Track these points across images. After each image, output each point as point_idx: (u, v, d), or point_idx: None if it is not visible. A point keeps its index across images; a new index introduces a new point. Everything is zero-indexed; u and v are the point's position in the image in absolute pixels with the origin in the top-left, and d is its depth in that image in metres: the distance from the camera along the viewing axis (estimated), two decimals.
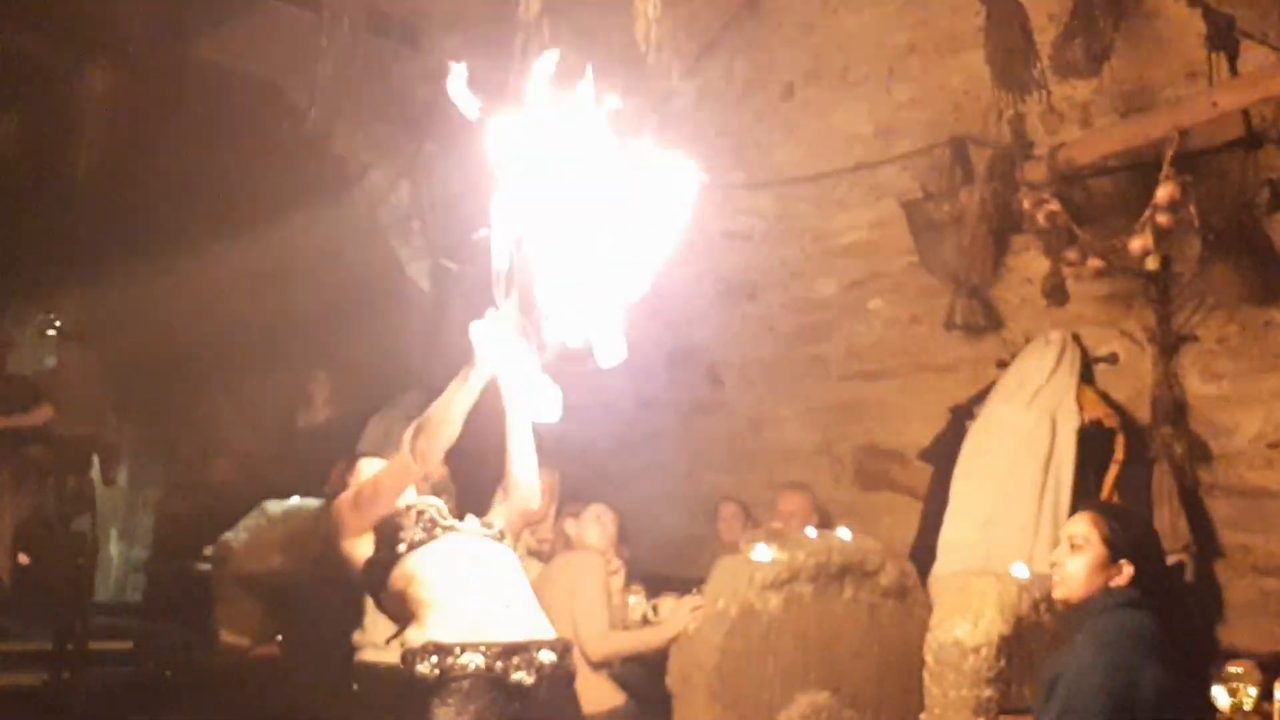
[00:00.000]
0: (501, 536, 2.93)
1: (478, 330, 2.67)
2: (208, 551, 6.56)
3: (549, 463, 5.27)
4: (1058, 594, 3.18)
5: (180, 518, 8.11)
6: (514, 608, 2.69)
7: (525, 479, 2.99)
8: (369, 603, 5.08)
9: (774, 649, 4.27)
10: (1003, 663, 3.78)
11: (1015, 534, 4.62)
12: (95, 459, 7.87)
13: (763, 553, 4.38)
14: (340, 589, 5.24)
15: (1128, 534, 3.13)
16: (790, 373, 6.19)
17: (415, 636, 2.64)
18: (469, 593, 2.66)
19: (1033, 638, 3.92)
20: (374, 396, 8.00)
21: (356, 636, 5.09)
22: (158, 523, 8.62)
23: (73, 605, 6.80)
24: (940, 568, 4.74)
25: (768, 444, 6.32)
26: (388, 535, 2.78)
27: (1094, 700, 2.93)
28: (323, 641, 5.24)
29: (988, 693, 3.75)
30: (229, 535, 6.43)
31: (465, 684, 2.51)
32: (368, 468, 3.17)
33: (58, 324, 8.64)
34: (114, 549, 8.64)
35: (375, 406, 7.96)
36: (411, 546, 2.76)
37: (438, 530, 2.76)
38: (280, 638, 5.75)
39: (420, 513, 2.81)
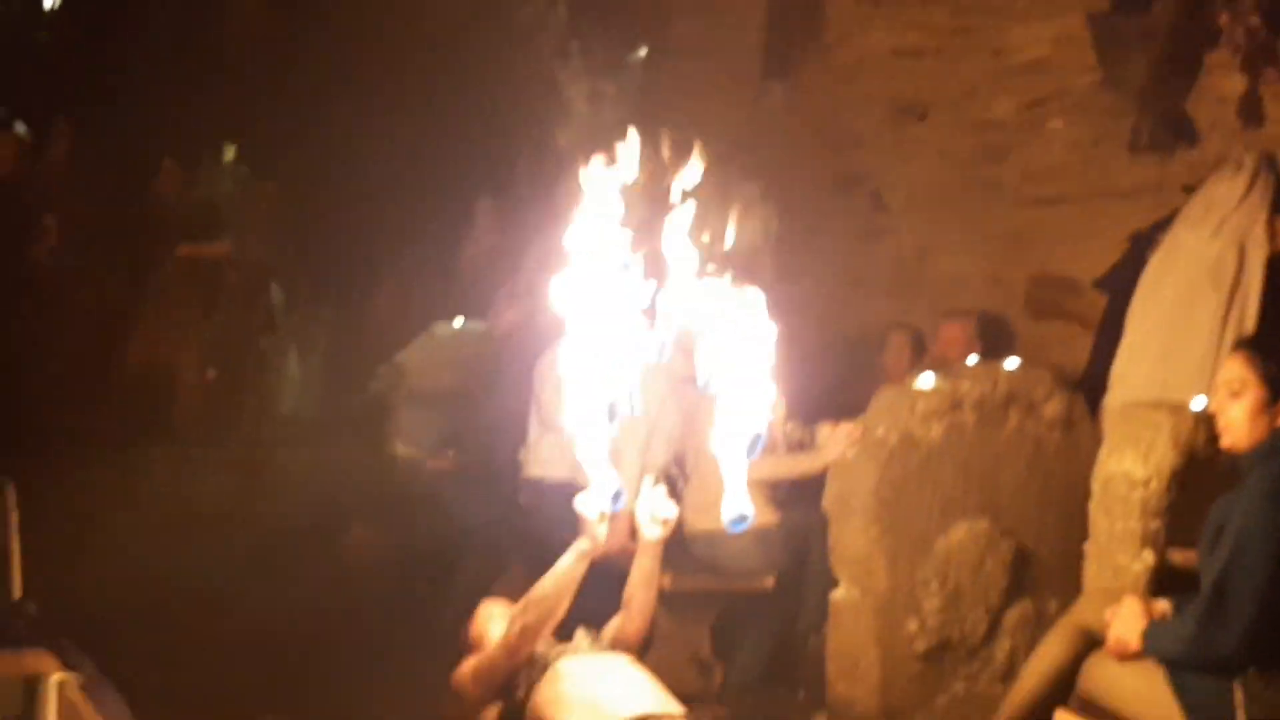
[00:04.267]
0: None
1: (583, 503, 2.61)
2: (381, 370, 6.85)
3: None
4: (1224, 443, 3.09)
5: (354, 338, 8.46)
6: (637, 695, 2.72)
7: (642, 611, 3.00)
8: (534, 420, 5.27)
9: (933, 477, 4.26)
10: (1173, 495, 3.68)
11: (1193, 366, 4.43)
12: (274, 284, 8.24)
13: (926, 381, 4.33)
14: (508, 407, 5.44)
15: None
16: (961, 198, 5.99)
17: None
18: (589, 698, 2.69)
19: (1206, 471, 3.80)
20: (535, 223, 8.09)
21: (523, 453, 5.28)
22: (332, 342, 9.01)
23: (258, 418, 7.24)
24: (1112, 399, 4.60)
25: (935, 272, 6.17)
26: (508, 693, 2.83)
27: (1263, 554, 2.86)
28: (492, 456, 5.47)
29: (1155, 525, 3.67)
30: (401, 354, 6.69)
31: None
32: (487, 616, 3.18)
33: (234, 151, 8.94)
34: (293, 366, 9.09)
35: (537, 233, 8.05)
36: (529, 689, 2.77)
37: (550, 656, 2.76)
38: (452, 452, 6.00)
39: (531, 662, 2.81)
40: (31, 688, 1.51)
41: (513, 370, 5.54)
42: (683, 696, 4.31)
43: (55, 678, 1.57)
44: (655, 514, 2.73)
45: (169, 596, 5.24)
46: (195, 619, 4.97)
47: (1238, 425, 3.02)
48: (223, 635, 4.83)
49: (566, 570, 2.67)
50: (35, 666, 1.68)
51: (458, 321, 6.86)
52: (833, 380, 5.99)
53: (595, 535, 2.57)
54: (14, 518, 2.25)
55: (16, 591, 2.24)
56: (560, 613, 2.68)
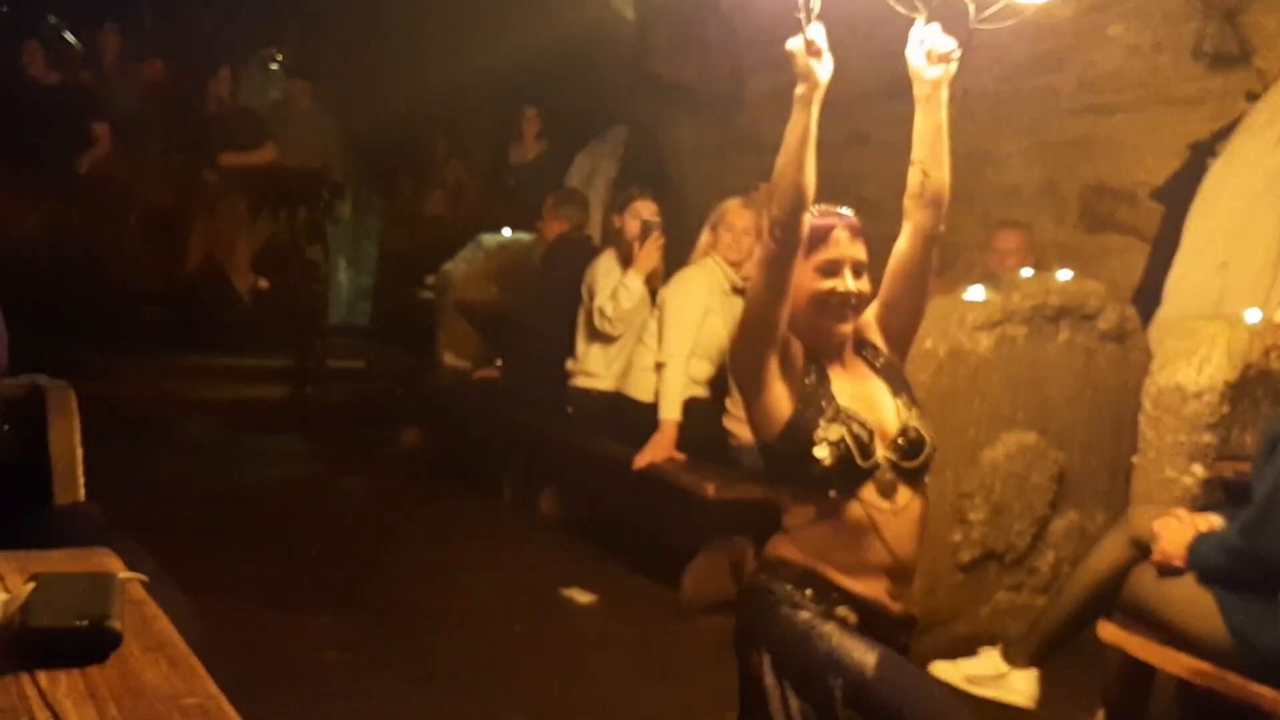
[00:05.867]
0: (919, 442, 2.18)
1: (792, 42, 1.98)
2: (429, 281, 6.89)
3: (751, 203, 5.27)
4: None
5: (402, 248, 8.49)
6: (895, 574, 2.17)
7: (939, 162, 2.25)
8: (581, 332, 5.29)
9: (982, 389, 4.23)
10: (1226, 409, 3.64)
11: (1251, 278, 4.35)
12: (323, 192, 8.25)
13: (976, 293, 4.29)
14: (553, 318, 5.46)
15: None
16: (1016, 105, 5.84)
17: (776, 548, 2.18)
18: (852, 566, 2.14)
19: (1260, 385, 3.75)
20: (582, 132, 8.03)
21: (570, 364, 5.31)
22: (382, 252, 9.06)
23: (310, 327, 7.32)
24: (1166, 311, 4.53)
25: (987, 183, 6.05)
26: (803, 422, 2.12)
27: None
28: (539, 366, 5.50)
29: (1207, 439, 3.63)
30: (449, 265, 6.72)
31: (797, 630, 2.11)
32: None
33: (280, 58, 8.91)
34: (343, 276, 9.17)
35: (583, 142, 8.00)
36: (818, 474, 2.11)
37: (849, 482, 2.11)
38: (499, 362, 6.05)
39: (839, 440, 2.11)
40: (98, 587, 1.55)
41: (560, 281, 5.55)
42: (724, 603, 4.41)
43: (120, 577, 1.62)
44: (933, 49, 2.17)
45: (227, 497, 5.37)
46: (252, 519, 5.09)
47: None
48: (278, 533, 4.94)
49: (793, 129, 2.01)
50: (100, 566, 1.73)
51: (505, 231, 6.87)
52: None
53: (810, 75, 1.98)
54: (76, 421, 2.30)
55: (80, 494, 2.30)
56: (807, 186, 2.03)
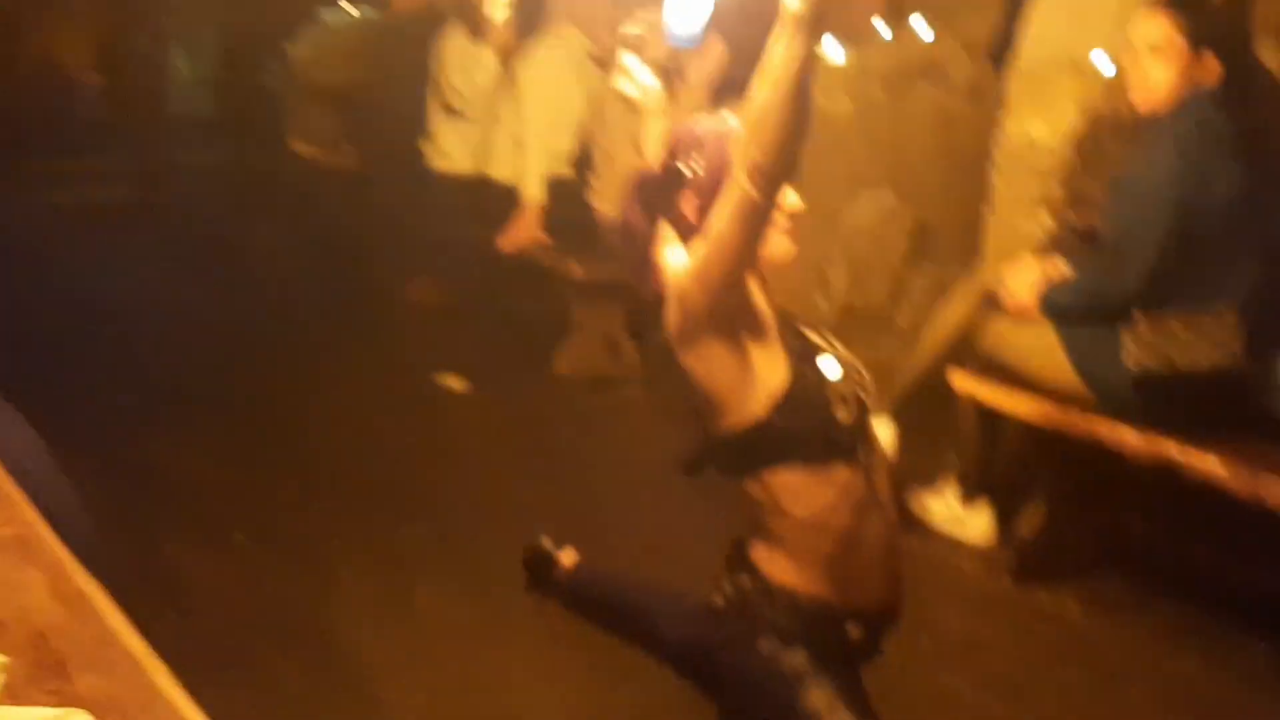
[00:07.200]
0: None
1: None
2: (271, 65, 6.53)
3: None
4: (1139, 103, 3.04)
5: (242, 30, 7.97)
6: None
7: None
8: (433, 112, 5.09)
9: (842, 149, 4.23)
10: (1074, 160, 3.70)
11: (1108, 26, 4.33)
12: None
13: (835, 54, 4.23)
14: (405, 98, 5.24)
15: (1213, 23, 2.95)
16: None
17: (764, 562, 1.76)
18: (859, 568, 1.76)
19: (1110, 135, 3.80)
20: None
21: (423, 144, 5.14)
22: (219, 37, 8.51)
23: (149, 123, 6.93)
24: (1019, 62, 4.52)
25: None
26: (808, 384, 1.72)
27: (1167, 205, 2.89)
28: (393, 151, 5.32)
29: (1055, 189, 3.71)
30: (291, 48, 6.35)
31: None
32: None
33: None
34: (181, 65, 8.63)
35: None
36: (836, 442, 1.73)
37: (856, 442, 1.75)
38: (351, 148, 5.83)
39: (853, 392, 1.74)
40: None
41: (410, 58, 5.31)
42: (600, 378, 4.46)
43: None
44: None
45: (77, 306, 5.16)
46: (106, 328, 4.91)
47: (1156, 85, 2.97)
48: (133, 342, 4.78)
49: (787, 61, 1.50)
50: None
51: (347, 7, 6.50)
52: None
53: None
54: None
55: None
56: (799, 120, 1.54)
